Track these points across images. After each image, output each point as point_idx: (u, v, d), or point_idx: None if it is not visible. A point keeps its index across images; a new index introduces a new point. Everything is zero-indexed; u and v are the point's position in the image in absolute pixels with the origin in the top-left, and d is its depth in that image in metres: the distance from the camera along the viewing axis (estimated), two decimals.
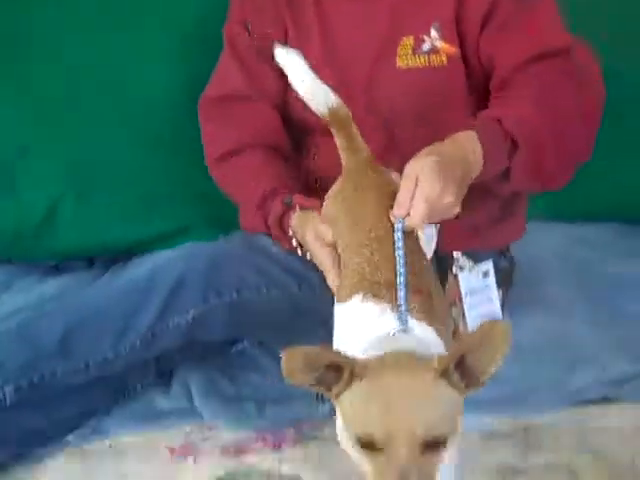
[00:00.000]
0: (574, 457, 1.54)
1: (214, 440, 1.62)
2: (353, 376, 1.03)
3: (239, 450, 1.58)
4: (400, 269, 1.21)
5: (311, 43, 1.64)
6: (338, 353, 1.05)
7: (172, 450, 1.59)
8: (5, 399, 1.49)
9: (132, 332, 1.53)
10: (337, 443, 1.10)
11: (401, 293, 1.19)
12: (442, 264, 1.66)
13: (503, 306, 1.76)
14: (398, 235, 1.25)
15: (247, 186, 1.64)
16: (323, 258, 1.39)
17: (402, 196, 1.26)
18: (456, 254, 1.65)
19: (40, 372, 1.50)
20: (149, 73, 2.03)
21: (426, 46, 1.59)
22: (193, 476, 1.52)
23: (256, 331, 1.69)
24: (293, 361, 1.03)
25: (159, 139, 2.07)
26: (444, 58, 1.58)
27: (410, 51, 1.59)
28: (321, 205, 1.48)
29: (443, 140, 1.37)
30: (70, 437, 1.61)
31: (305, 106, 1.48)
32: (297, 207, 1.53)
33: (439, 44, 1.58)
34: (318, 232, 1.41)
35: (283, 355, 1.02)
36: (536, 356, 1.78)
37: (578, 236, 2.17)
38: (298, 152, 1.73)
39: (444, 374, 1.03)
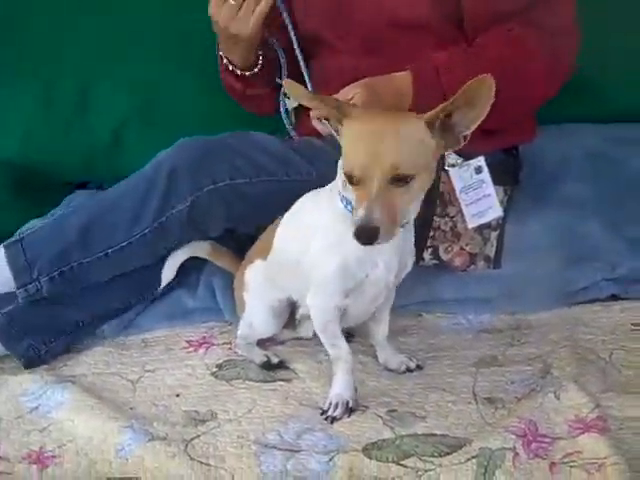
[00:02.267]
0: (552, 350, 1.58)
1: (229, 334, 1.78)
2: (342, 115, 1.28)
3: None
4: None
5: None
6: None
7: (190, 342, 1.78)
8: (42, 289, 1.71)
9: (142, 221, 1.69)
10: None
11: None
12: None
13: (508, 203, 1.79)
14: None
15: None
16: None
17: None
18: (447, 152, 1.70)
19: (68, 263, 1.70)
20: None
21: None
22: (199, 364, 1.68)
23: (250, 219, 1.76)
24: (297, 88, 1.32)
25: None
26: None
27: None
28: None
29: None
30: (105, 327, 1.82)
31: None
32: None
33: None
34: None
35: (286, 83, 1.32)
36: (542, 254, 1.79)
37: (618, 136, 2.10)
38: None
39: (429, 124, 1.25)
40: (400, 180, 1.23)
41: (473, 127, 1.26)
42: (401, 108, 1.60)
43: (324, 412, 1.46)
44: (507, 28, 1.65)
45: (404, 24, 1.73)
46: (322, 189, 1.49)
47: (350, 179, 1.26)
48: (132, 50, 2.25)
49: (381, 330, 1.60)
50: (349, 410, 1.45)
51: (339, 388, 1.47)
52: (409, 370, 1.58)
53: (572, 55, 1.72)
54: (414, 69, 1.63)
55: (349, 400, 1.46)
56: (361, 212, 1.21)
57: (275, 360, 1.64)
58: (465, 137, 1.28)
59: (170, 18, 2.24)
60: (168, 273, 1.81)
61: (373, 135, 1.23)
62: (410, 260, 1.50)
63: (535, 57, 1.65)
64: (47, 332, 1.75)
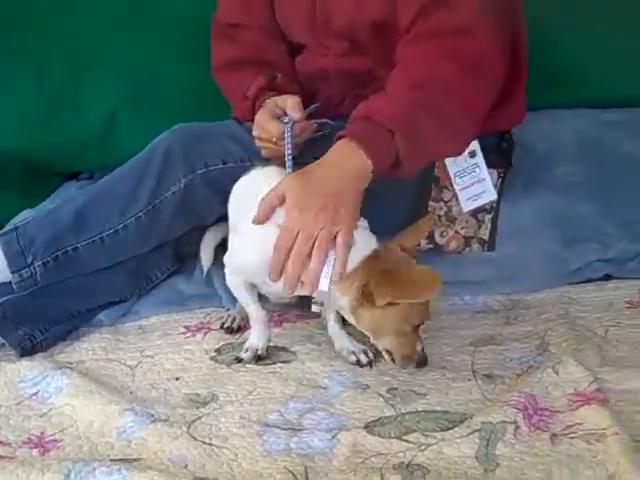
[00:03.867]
0: (549, 328, 1.60)
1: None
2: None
3: (242, 327, 1.74)
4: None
5: None
6: None
7: (188, 328, 1.78)
8: (36, 274, 1.70)
9: (136, 204, 1.70)
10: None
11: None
12: None
13: (502, 186, 1.81)
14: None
15: (239, 88, 1.79)
16: (271, 127, 1.58)
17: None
18: None
19: (63, 247, 1.70)
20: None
21: None
22: (197, 348, 1.68)
23: None
24: None
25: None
26: None
27: None
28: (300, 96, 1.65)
29: None
30: (102, 316, 1.82)
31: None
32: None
33: None
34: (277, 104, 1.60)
35: None
36: (536, 236, 1.82)
37: (609, 120, 2.13)
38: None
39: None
40: None
41: None
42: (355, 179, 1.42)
43: (237, 357, 1.62)
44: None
45: (381, 24, 1.72)
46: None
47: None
48: (123, 35, 2.24)
49: (331, 315, 1.60)
50: (257, 357, 1.60)
51: (252, 337, 1.62)
52: (359, 364, 1.56)
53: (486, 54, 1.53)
54: (350, 130, 1.44)
55: (259, 349, 1.61)
56: (419, 347, 1.48)
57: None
58: None
59: (162, 2, 2.23)
60: (206, 258, 1.87)
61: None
62: None
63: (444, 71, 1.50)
64: (43, 321, 1.75)
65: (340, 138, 1.43)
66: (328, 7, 1.75)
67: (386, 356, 1.49)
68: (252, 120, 1.72)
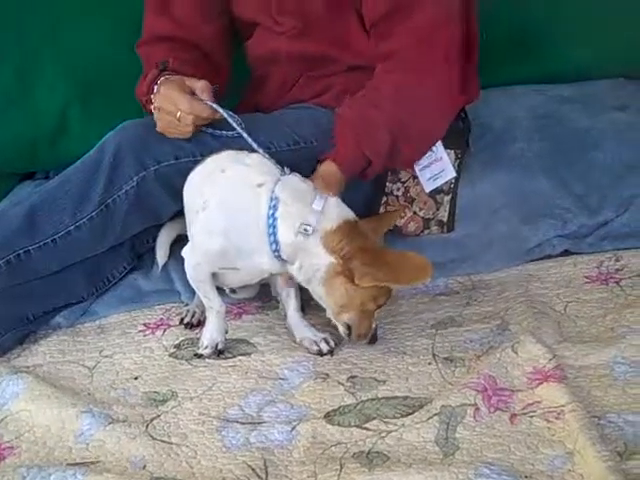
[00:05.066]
0: (509, 307, 1.59)
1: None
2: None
3: (202, 322, 1.71)
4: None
5: None
6: None
7: (147, 325, 1.75)
8: None
9: (88, 204, 1.65)
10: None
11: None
12: None
13: (459, 167, 1.80)
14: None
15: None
16: (181, 101, 1.57)
17: None
18: None
19: (14, 251, 1.65)
20: None
21: None
22: (156, 345, 1.66)
23: None
24: None
25: None
26: None
27: None
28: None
29: None
30: (59, 318, 1.78)
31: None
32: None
33: None
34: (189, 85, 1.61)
35: None
36: (494, 215, 1.81)
37: (562, 95, 2.12)
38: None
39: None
40: None
41: None
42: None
43: (196, 353, 1.59)
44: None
45: (337, 5, 1.71)
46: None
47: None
48: (71, 29, 2.19)
49: (291, 305, 1.60)
50: (218, 351, 1.58)
51: (210, 332, 1.58)
52: (320, 353, 1.54)
53: (451, 46, 1.68)
54: (339, 162, 1.61)
55: (219, 342, 1.58)
56: (374, 325, 1.50)
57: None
58: None
59: None
60: (161, 254, 1.84)
61: None
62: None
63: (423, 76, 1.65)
64: None
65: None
66: None
67: (342, 329, 1.49)
68: (148, 100, 1.70)
